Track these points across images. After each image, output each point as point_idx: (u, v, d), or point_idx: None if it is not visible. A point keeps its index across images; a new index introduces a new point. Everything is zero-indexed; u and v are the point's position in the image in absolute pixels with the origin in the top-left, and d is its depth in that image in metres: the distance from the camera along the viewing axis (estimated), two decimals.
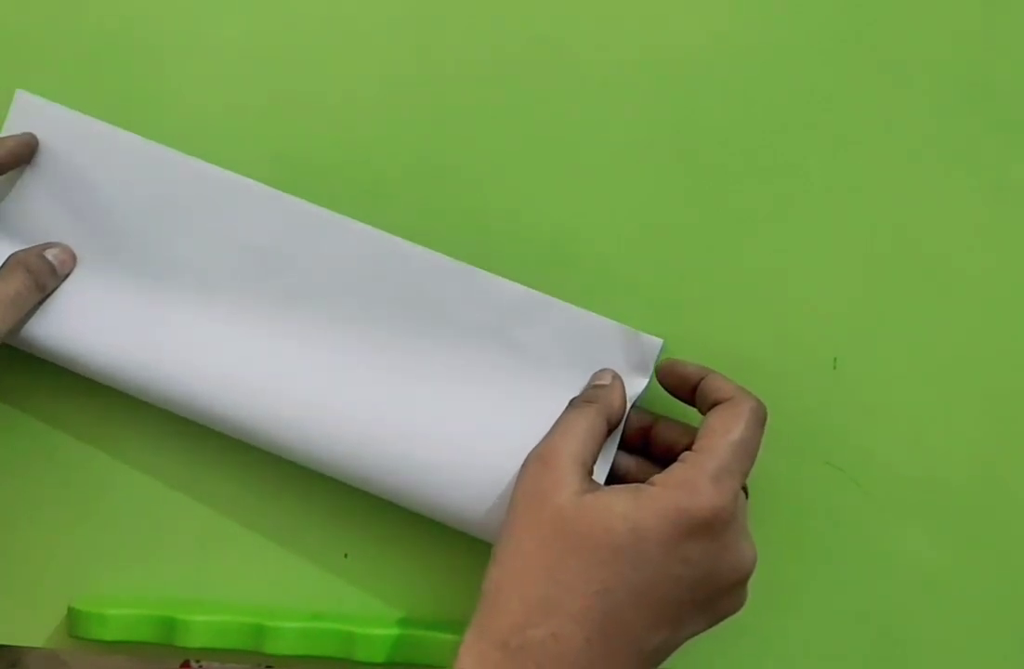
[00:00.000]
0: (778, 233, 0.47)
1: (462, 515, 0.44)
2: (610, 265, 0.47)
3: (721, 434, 0.41)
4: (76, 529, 0.48)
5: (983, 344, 0.47)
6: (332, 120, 0.48)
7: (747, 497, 0.42)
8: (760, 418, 0.42)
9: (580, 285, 0.47)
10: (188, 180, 0.46)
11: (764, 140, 0.47)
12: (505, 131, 0.47)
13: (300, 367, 0.46)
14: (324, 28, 0.48)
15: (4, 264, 0.45)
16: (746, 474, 0.41)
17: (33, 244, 0.46)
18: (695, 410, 0.44)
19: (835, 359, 0.47)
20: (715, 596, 0.40)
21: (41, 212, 0.47)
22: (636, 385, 0.45)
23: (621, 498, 0.39)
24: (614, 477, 0.44)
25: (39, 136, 0.46)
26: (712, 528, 0.38)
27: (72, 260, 0.46)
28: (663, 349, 0.45)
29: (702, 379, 0.43)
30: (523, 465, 0.41)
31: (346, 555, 0.48)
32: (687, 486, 0.39)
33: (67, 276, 0.46)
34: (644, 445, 0.45)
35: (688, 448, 0.41)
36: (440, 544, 0.47)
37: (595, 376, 0.45)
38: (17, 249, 0.46)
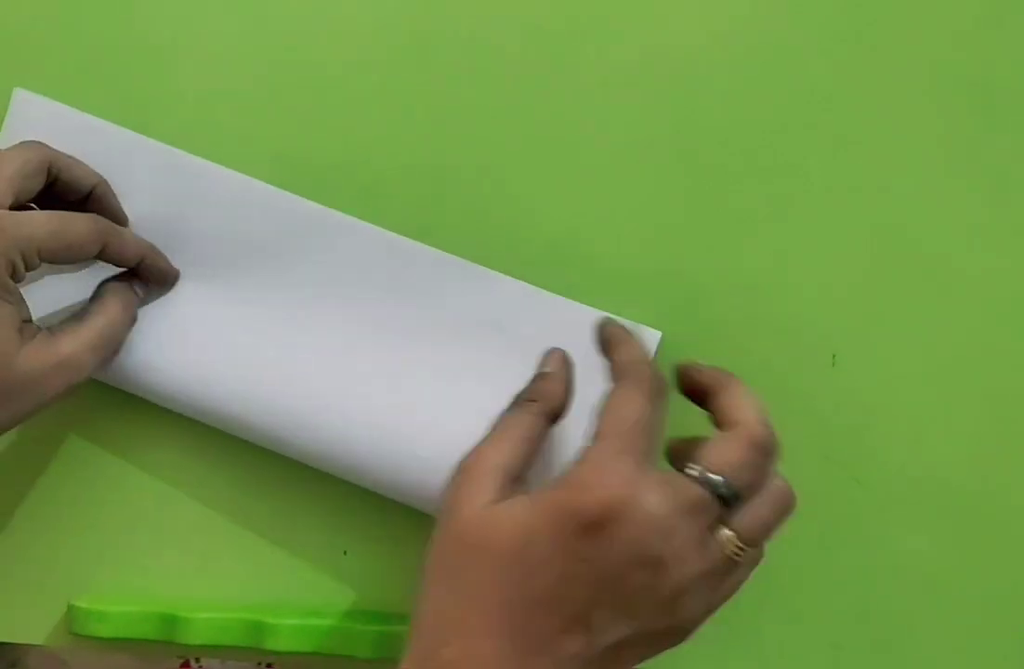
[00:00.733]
0: (777, 232, 0.47)
1: None
2: (610, 263, 0.47)
3: (607, 416, 0.38)
4: (77, 526, 0.48)
5: (982, 342, 0.47)
6: (332, 119, 0.48)
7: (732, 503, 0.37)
8: (649, 389, 0.39)
9: (580, 283, 0.47)
10: (188, 178, 0.47)
11: (764, 140, 0.47)
12: (505, 130, 0.48)
13: (299, 363, 0.46)
14: (325, 28, 0.48)
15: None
16: (648, 453, 0.37)
17: None
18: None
19: (834, 356, 0.47)
20: (634, 598, 0.36)
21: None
22: None
23: (520, 504, 0.37)
24: None
25: (38, 134, 0.46)
26: (604, 524, 0.35)
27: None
28: (662, 342, 0.45)
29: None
30: (451, 474, 0.40)
31: (345, 552, 0.48)
32: (574, 483, 0.37)
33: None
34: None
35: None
36: None
37: (541, 361, 0.44)
38: None
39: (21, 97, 0.47)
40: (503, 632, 0.36)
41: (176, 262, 0.47)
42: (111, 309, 0.44)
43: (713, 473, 0.37)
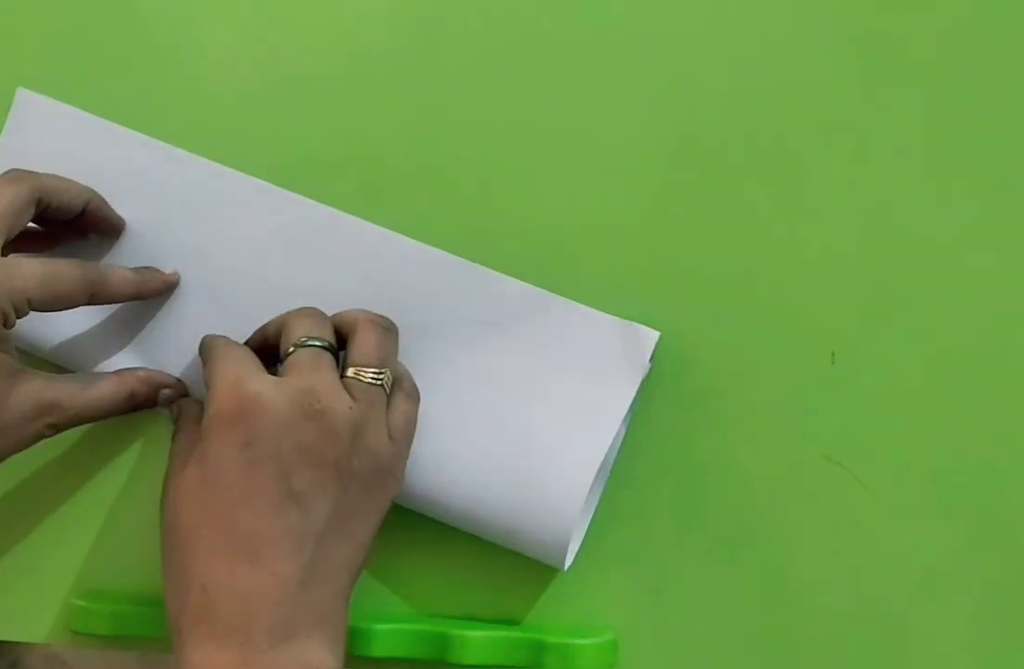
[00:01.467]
0: (776, 230, 0.47)
1: (457, 508, 0.45)
2: (609, 262, 0.47)
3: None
4: (76, 524, 0.48)
5: (982, 339, 0.47)
6: (332, 118, 0.48)
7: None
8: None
9: (579, 282, 0.47)
10: (190, 177, 0.47)
11: (763, 139, 0.47)
12: (506, 129, 0.48)
13: None
14: (325, 27, 0.48)
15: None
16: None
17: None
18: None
19: (833, 354, 0.47)
20: (317, 448, 0.40)
21: None
22: (634, 377, 0.45)
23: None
24: None
25: (40, 133, 0.46)
26: (245, 410, 0.40)
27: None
28: (660, 341, 0.46)
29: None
30: None
31: None
32: (212, 400, 0.41)
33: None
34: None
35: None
36: (443, 542, 0.47)
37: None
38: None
39: (23, 97, 0.47)
40: (225, 547, 0.39)
41: (177, 261, 0.47)
42: (110, 389, 0.44)
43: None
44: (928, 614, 0.47)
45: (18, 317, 0.41)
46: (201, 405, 0.43)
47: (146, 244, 0.47)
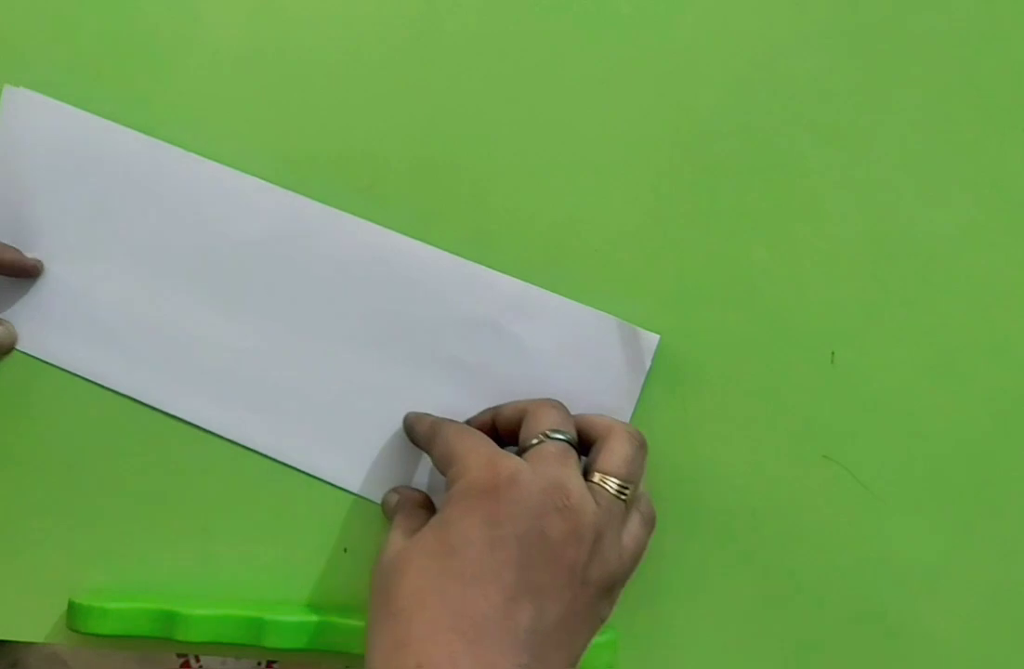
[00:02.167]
0: (776, 229, 0.47)
1: None
2: (608, 261, 0.47)
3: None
4: (76, 523, 0.48)
5: (981, 339, 0.47)
6: (332, 117, 0.48)
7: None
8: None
9: (579, 281, 0.47)
10: (183, 175, 0.47)
11: (763, 138, 0.47)
12: (505, 128, 0.48)
13: (296, 362, 0.46)
14: (324, 26, 0.48)
15: None
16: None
17: (26, 239, 0.47)
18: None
19: (832, 353, 0.47)
20: (559, 547, 0.38)
21: (33, 206, 0.47)
22: (633, 381, 0.45)
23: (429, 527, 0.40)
24: None
25: (32, 131, 0.46)
26: (501, 486, 0.38)
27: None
28: (659, 341, 0.46)
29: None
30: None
31: (345, 549, 0.48)
32: (463, 472, 0.40)
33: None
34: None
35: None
36: None
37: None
38: (6, 242, 0.46)
39: (16, 94, 0.47)
40: (449, 626, 0.36)
41: (172, 259, 0.47)
42: None
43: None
44: (928, 614, 0.47)
45: None
46: (423, 494, 0.44)
47: (137, 240, 0.47)
